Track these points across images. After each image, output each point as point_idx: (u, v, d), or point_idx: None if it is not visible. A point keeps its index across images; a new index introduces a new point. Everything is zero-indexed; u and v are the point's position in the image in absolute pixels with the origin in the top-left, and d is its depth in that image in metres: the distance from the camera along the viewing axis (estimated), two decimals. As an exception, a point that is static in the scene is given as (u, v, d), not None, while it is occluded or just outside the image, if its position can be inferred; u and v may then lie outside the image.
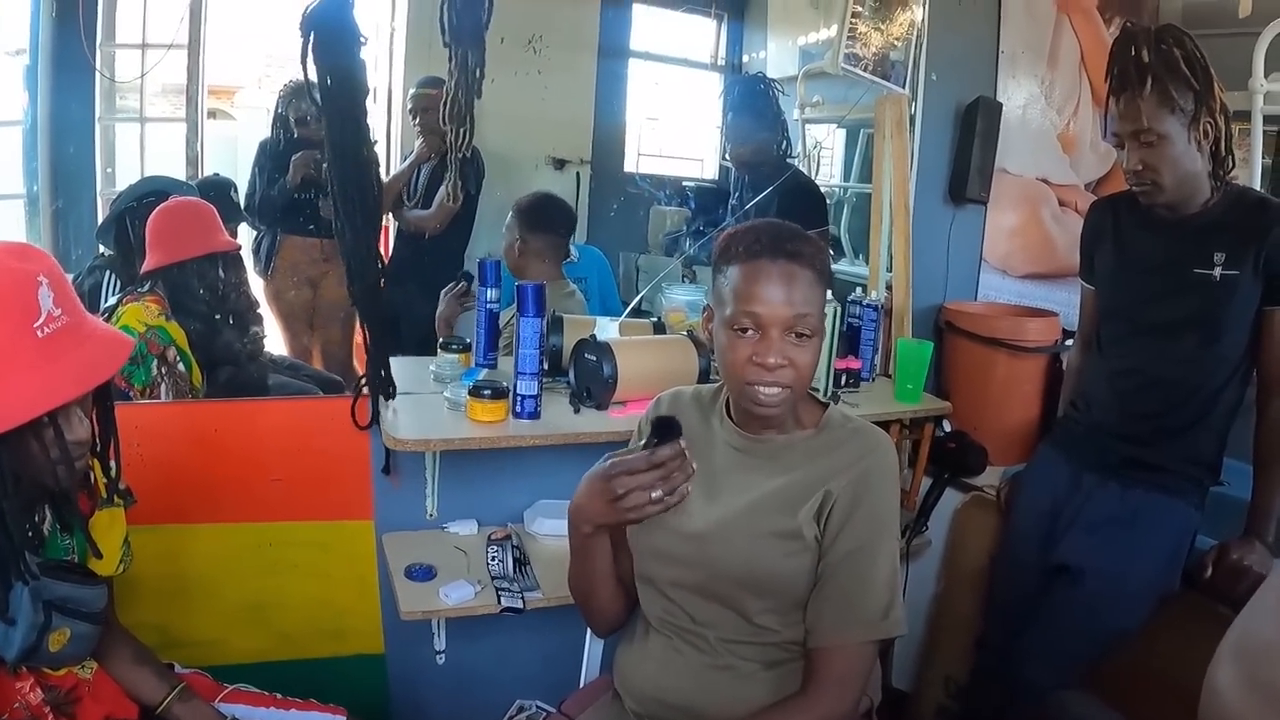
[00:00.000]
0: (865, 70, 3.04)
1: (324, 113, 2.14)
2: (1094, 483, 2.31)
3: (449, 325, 2.85)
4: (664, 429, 1.40)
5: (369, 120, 2.21)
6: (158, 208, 2.54)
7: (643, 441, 1.44)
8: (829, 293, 2.58)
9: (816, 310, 1.54)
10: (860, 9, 3.00)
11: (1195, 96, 2.05)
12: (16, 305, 1.27)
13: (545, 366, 2.29)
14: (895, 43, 3.10)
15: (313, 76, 2.07)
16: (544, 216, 2.93)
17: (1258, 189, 2.91)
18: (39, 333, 1.28)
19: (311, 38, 2.08)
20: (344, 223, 2.17)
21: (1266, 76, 2.88)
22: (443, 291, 2.90)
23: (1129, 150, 2.14)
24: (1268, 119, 2.93)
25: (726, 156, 3.62)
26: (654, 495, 1.38)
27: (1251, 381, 2.21)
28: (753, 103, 3.25)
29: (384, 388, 2.28)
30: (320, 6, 2.09)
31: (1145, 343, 2.27)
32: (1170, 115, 2.05)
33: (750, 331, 1.52)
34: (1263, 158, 3.05)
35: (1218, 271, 2.11)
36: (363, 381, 2.30)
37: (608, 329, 2.51)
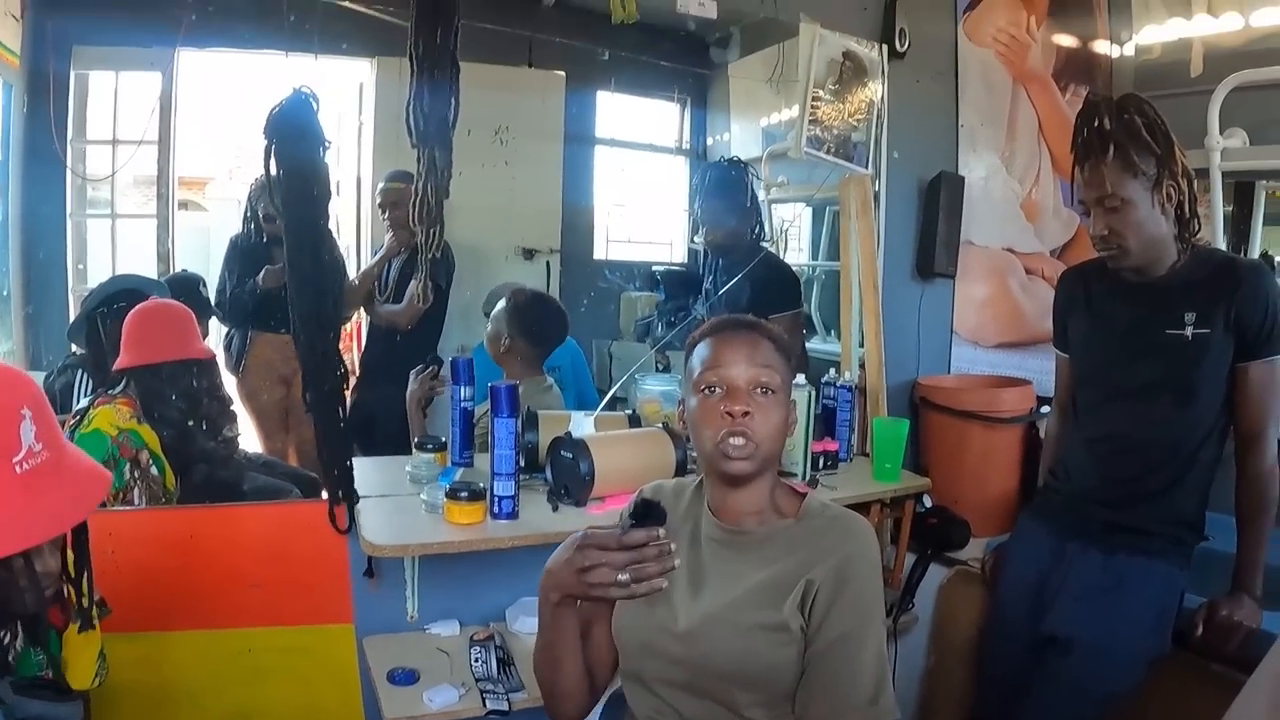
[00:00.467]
0: (828, 153, 3.08)
1: (283, 216, 2.16)
2: (1077, 551, 2.31)
3: (420, 406, 2.83)
4: (644, 512, 1.41)
5: (329, 223, 2.23)
6: (136, 307, 2.52)
7: (621, 518, 1.44)
8: (803, 376, 2.60)
9: (779, 371, 1.63)
10: (820, 93, 3.05)
11: (1157, 161, 2.10)
12: None
13: (522, 464, 2.28)
14: (856, 123, 3.15)
15: (275, 179, 2.09)
16: (537, 327, 2.94)
17: (1222, 243, 2.98)
18: (17, 468, 1.25)
19: (273, 141, 2.10)
20: (299, 326, 2.18)
21: (1221, 133, 2.95)
22: (412, 371, 2.89)
23: (1095, 216, 2.19)
24: (1229, 173, 3.00)
25: (695, 239, 3.65)
26: (621, 577, 1.38)
27: (1230, 437, 2.23)
28: (727, 187, 3.27)
29: (342, 494, 2.27)
30: (283, 110, 2.11)
31: (1121, 406, 2.29)
32: (1133, 180, 2.10)
33: (717, 390, 1.59)
34: (1224, 205, 3.12)
35: (1189, 331, 2.15)
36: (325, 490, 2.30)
37: (583, 424, 2.51)
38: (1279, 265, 3.57)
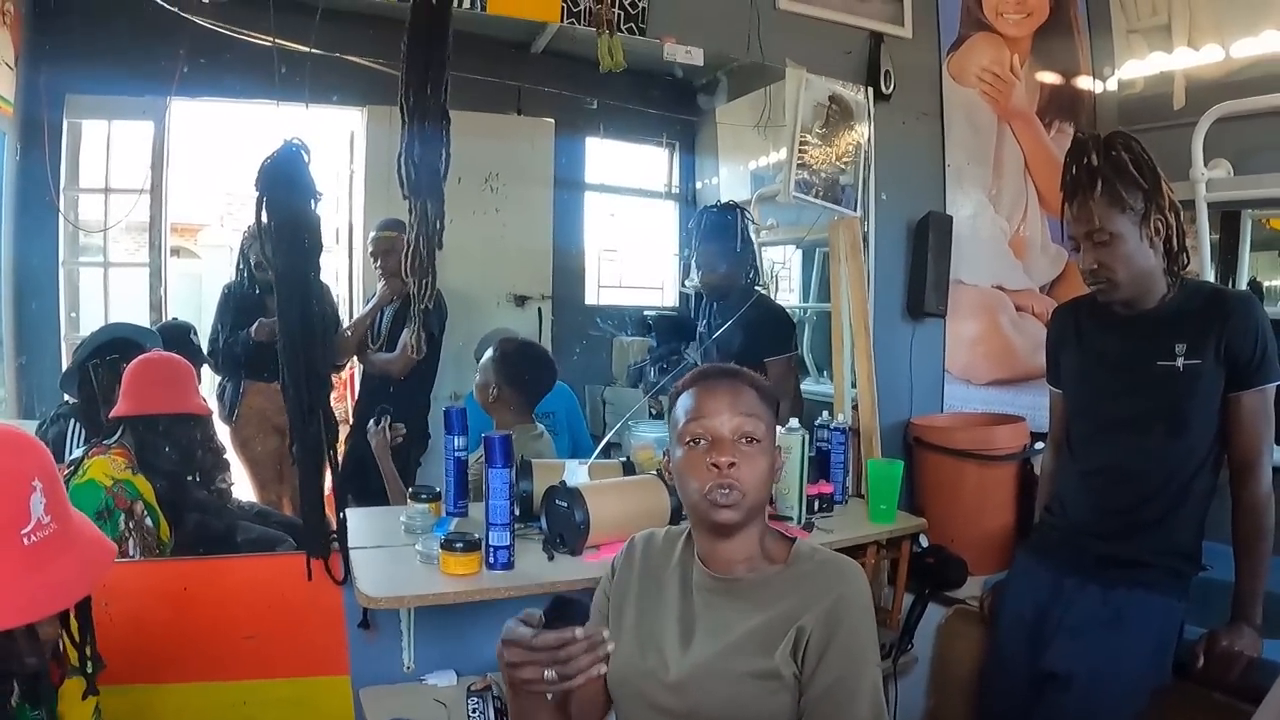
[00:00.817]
0: (816, 196, 3.11)
1: (273, 267, 2.17)
2: (1075, 586, 2.32)
3: (386, 454, 2.84)
4: (558, 613, 1.44)
5: (320, 275, 2.24)
6: (139, 358, 2.54)
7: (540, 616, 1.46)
8: (796, 420, 2.61)
9: (763, 419, 1.65)
10: (807, 136, 3.08)
11: (1144, 196, 2.14)
12: (5, 510, 1.24)
13: (516, 513, 2.27)
14: (843, 166, 3.18)
15: (266, 230, 2.11)
16: (525, 375, 2.95)
17: (1209, 272, 3.01)
18: (25, 540, 1.25)
19: (265, 193, 2.11)
20: (288, 379, 2.19)
21: (1206, 164, 2.98)
22: (369, 425, 2.91)
23: (1084, 250, 2.21)
24: (1215, 204, 3.04)
25: (686, 283, 3.65)
26: (548, 675, 1.39)
27: (1224, 466, 2.24)
28: (722, 231, 3.29)
29: (322, 547, 2.28)
30: (274, 162, 2.13)
31: (1114, 439, 2.31)
32: (1121, 215, 2.14)
33: (702, 441, 1.61)
34: (1211, 233, 3.15)
35: (1180, 362, 2.17)
36: (332, 536, 2.30)
37: (577, 472, 2.50)
38: (1267, 292, 3.61)
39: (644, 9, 2.87)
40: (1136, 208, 2.15)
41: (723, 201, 3.40)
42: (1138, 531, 2.25)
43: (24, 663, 1.35)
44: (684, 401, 1.67)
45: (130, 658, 1.92)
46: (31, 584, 1.25)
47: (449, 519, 2.47)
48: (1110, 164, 2.16)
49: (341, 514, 2.35)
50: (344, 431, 3.18)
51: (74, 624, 1.49)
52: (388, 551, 2.36)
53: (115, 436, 2.49)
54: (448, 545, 2.17)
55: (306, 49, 2.44)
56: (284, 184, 2.14)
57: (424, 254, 2.33)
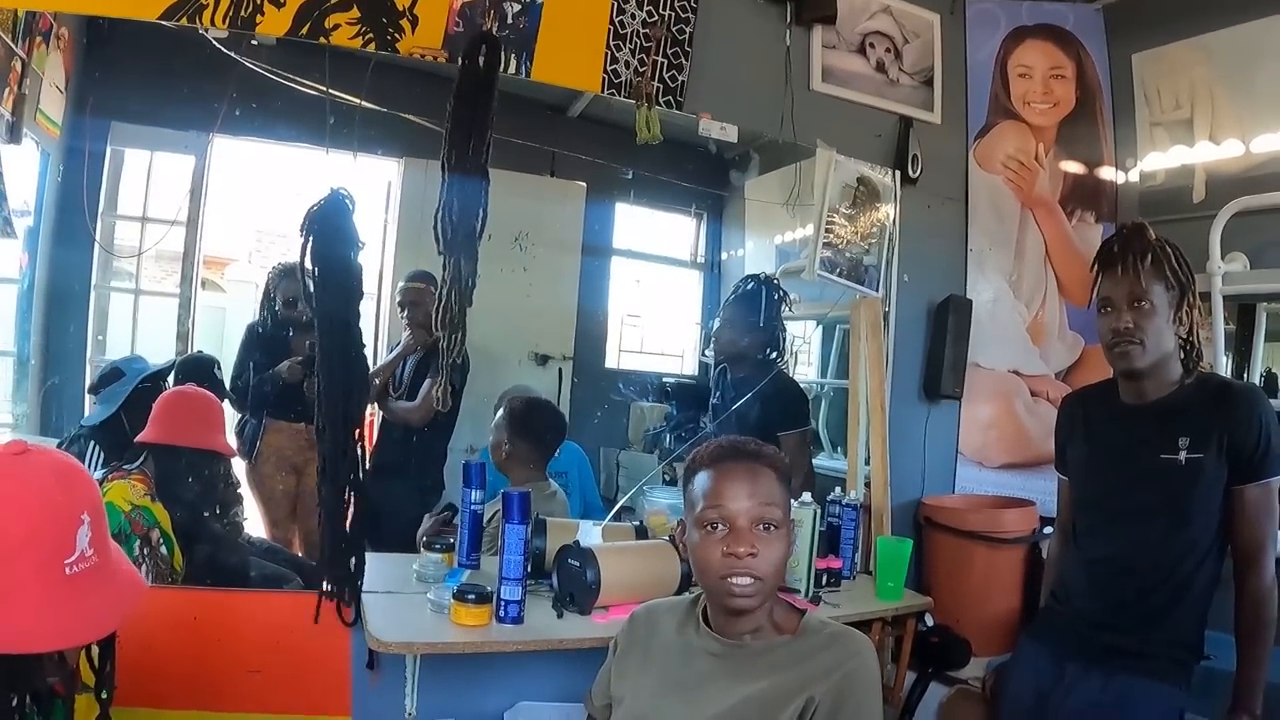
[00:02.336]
0: (840, 275, 3.16)
1: (316, 313, 2.22)
2: (1077, 672, 2.31)
3: (423, 543, 2.85)
4: None
5: (360, 322, 2.28)
6: (175, 389, 2.62)
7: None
8: (809, 494, 2.63)
9: (781, 505, 1.63)
10: (834, 215, 3.13)
11: (1180, 287, 2.19)
12: (52, 539, 1.28)
13: (529, 569, 2.30)
14: (868, 246, 3.23)
15: (309, 276, 2.17)
16: (535, 427, 2.97)
17: (1223, 363, 3.03)
18: (67, 570, 1.28)
19: (311, 239, 2.16)
20: (324, 421, 2.23)
21: (1223, 257, 3.02)
22: (427, 515, 2.93)
23: (1119, 312, 2.22)
24: (1231, 296, 3.07)
25: (706, 353, 3.69)
26: None
27: (1227, 557, 2.24)
28: (759, 303, 3.31)
29: (344, 588, 2.31)
30: (322, 209, 2.19)
31: (1118, 530, 2.31)
32: (1163, 290, 2.18)
33: (720, 527, 1.60)
34: (1227, 325, 3.18)
35: (1183, 456, 2.18)
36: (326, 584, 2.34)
37: (591, 533, 2.53)
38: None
39: (683, 83, 2.95)
40: (1173, 292, 2.20)
41: (764, 275, 3.44)
42: (1140, 622, 2.25)
43: (46, 682, 1.38)
44: (701, 482, 1.66)
45: (136, 681, 1.92)
46: (67, 613, 1.29)
47: (461, 570, 2.49)
48: (1160, 247, 2.21)
49: (356, 558, 2.37)
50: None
51: (95, 650, 1.52)
52: (399, 598, 2.38)
53: (138, 463, 2.53)
54: (460, 596, 2.20)
55: (356, 100, 2.51)
56: (331, 231, 2.20)
57: (455, 309, 2.39)
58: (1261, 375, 3.46)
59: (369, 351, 3.37)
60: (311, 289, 2.20)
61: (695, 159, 3.51)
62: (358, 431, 2.33)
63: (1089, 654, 2.30)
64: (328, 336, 2.23)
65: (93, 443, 2.74)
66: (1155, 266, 2.19)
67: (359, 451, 2.32)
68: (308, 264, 2.19)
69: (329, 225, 2.20)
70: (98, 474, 2.56)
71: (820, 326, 3.77)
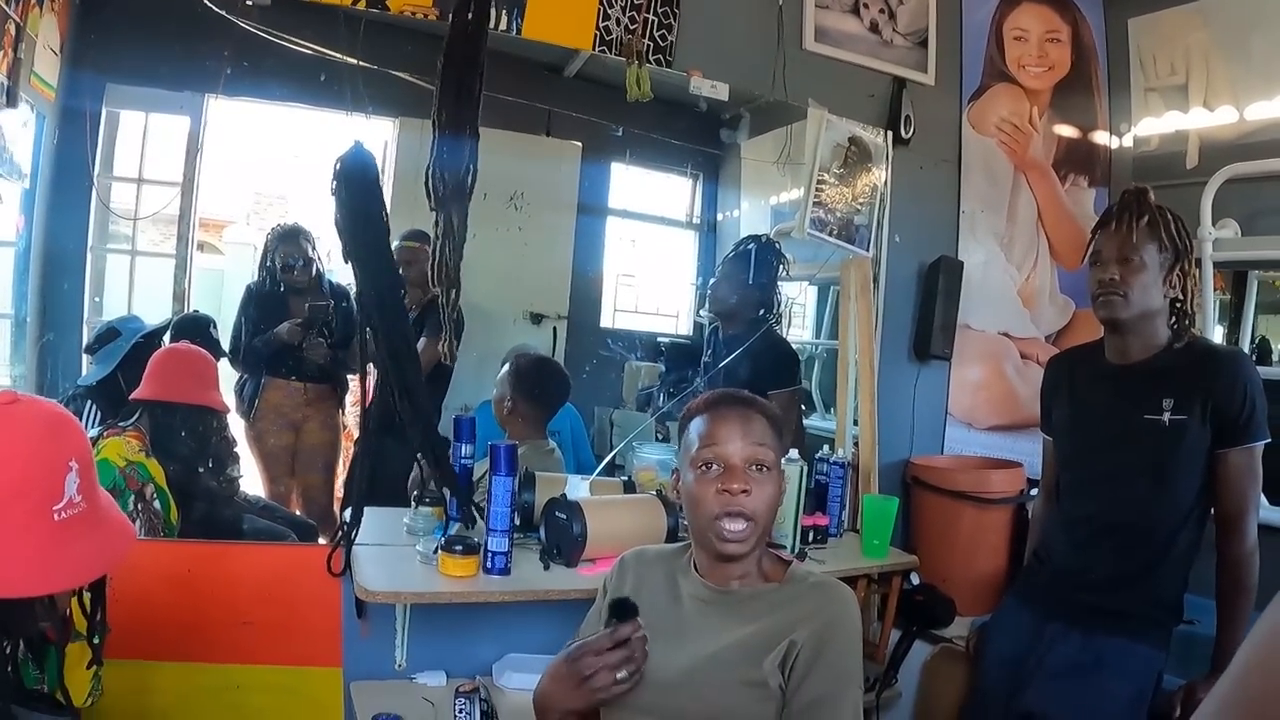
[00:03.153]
0: (830, 234, 3.16)
1: (355, 262, 2.31)
2: (1057, 631, 2.35)
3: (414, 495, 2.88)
4: (621, 609, 1.48)
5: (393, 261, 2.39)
6: (168, 347, 2.65)
7: (603, 620, 1.53)
8: (795, 451, 2.65)
9: (773, 448, 1.68)
10: (825, 175, 3.14)
11: (1176, 252, 2.24)
12: (42, 486, 1.30)
13: (517, 523, 2.33)
14: (859, 206, 3.23)
15: (340, 226, 2.26)
16: (539, 386, 3.01)
17: (1212, 329, 3.06)
18: (56, 516, 1.31)
19: (342, 185, 2.21)
20: (389, 366, 2.36)
21: (1214, 224, 3.03)
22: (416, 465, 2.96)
23: (1107, 264, 2.28)
24: (1221, 263, 3.08)
25: (701, 313, 3.70)
26: (620, 675, 1.46)
27: (1210, 521, 2.28)
28: (756, 263, 3.32)
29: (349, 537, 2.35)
30: (350, 158, 2.27)
31: (1099, 489, 2.36)
32: (1155, 250, 2.22)
33: (715, 466, 1.64)
34: (1223, 295, 3.19)
35: (1166, 417, 2.22)
36: (339, 531, 2.36)
37: (579, 488, 2.56)
38: (1277, 353, 3.65)
39: (673, 42, 2.95)
40: (1166, 254, 2.24)
41: (764, 236, 3.44)
42: (1121, 582, 2.29)
43: (38, 628, 1.42)
44: (696, 426, 1.70)
45: (130, 632, 1.95)
46: (56, 558, 1.32)
47: (451, 523, 2.51)
48: (1160, 212, 2.26)
49: (349, 510, 2.41)
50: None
51: (87, 597, 1.55)
52: (389, 550, 2.42)
53: (132, 419, 2.56)
54: (447, 547, 2.24)
55: (348, 59, 2.52)
56: (359, 177, 2.25)
57: (450, 265, 2.41)
58: (1254, 344, 3.48)
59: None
60: (343, 234, 2.27)
61: (688, 118, 3.49)
62: (416, 363, 2.47)
63: (1069, 613, 2.34)
64: (372, 278, 2.31)
65: (89, 402, 2.76)
66: (1150, 228, 2.23)
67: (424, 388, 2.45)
68: (340, 211, 2.26)
69: (358, 171, 2.27)
70: (93, 431, 2.59)
71: (815, 288, 3.79)
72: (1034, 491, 2.92)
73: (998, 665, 2.49)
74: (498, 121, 2.55)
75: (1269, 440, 2.22)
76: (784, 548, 2.65)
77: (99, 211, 2.98)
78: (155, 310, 3.07)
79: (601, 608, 1.82)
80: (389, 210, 3.38)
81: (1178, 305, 2.28)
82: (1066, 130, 3.72)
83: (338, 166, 2.24)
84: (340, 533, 2.37)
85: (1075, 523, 2.42)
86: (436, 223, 2.41)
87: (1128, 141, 3.73)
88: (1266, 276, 3.43)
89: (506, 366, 3.02)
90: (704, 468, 1.65)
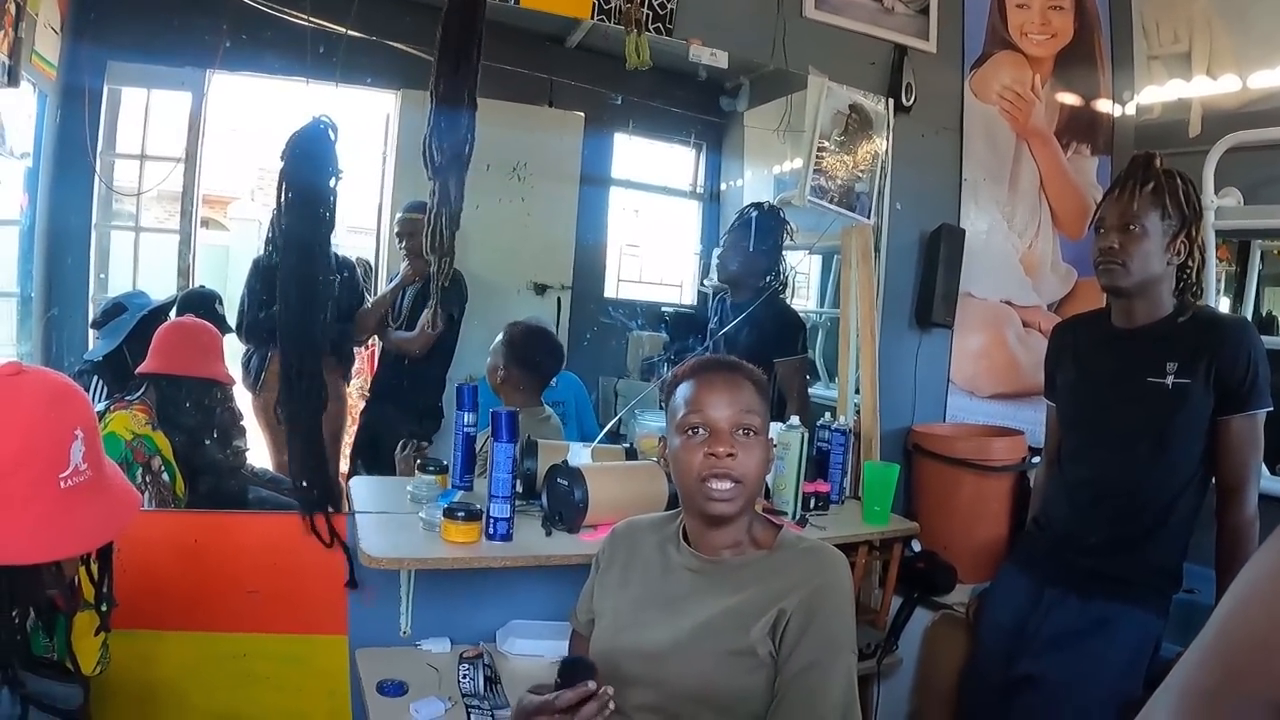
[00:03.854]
0: (831, 202, 3.16)
1: (282, 233, 2.31)
2: (1055, 596, 2.37)
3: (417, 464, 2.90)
4: (571, 672, 1.49)
5: (328, 248, 2.39)
6: (173, 320, 2.67)
7: (555, 680, 1.51)
8: (797, 418, 2.66)
9: (760, 414, 1.69)
10: (826, 143, 3.13)
11: (1182, 219, 2.23)
12: (47, 454, 1.33)
13: (519, 490, 2.35)
14: (860, 174, 3.23)
15: (283, 199, 2.23)
16: (532, 354, 3.03)
17: (1214, 298, 3.05)
18: (62, 483, 1.33)
19: (286, 164, 2.20)
20: (284, 340, 2.35)
21: (1217, 192, 3.02)
22: (398, 449, 3.00)
23: (1108, 232, 2.28)
24: (1223, 231, 3.07)
25: (705, 282, 3.70)
26: None
27: (1211, 491, 2.29)
28: (761, 230, 3.33)
29: (318, 504, 2.41)
30: (300, 135, 2.23)
31: (1101, 454, 2.36)
32: (1158, 218, 2.22)
33: (701, 431, 1.66)
34: (1228, 266, 3.19)
35: (1170, 380, 2.22)
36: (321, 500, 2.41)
37: (580, 454, 2.58)
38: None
39: (672, 10, 2.94)
40: (1172, 221, 2.23)
41: (767, 203, 3.44)
42: (1119, 547, 2.30)
43: (46, 595, 1.44)
44: (683, 391, 1.71)
45: (137, 603, 1.98)
46: (63, 525, 1.34)
47: (454, 491, 2.52)
48: (1167, 177, 2.25)
49: (324, 478, 2.45)
50: (361, 405, 3.29)
51: (94, 564, 1.58)
52: (392, 518, 2.43)
53: (139, 393, 2.58)
54: (450, 514, 2.25)
55: (344, 30, 2.52)
56: (307, 156, 2.24)
57: (444, 233, 2.43)
58: (1261, 316, 3.48)
59: (371, 284, 3.45)
60: (283, 211, 2.24)
61: (688, 88, 3.48)
62: (316, 352, 2.43)
63: (1068, 578, 2.36)
64: (291, 256, 2.29)
65: (95, 377, 2.78)
66: (1154, 194, 2.23)
67: (319, 373, 2.41)
68: (283, 187, 2.23)
69: (307, 150, 2.24)
70: (100, 406, 2.60)
71: (819, 256, 3.78)
72: (1035, 460, 2.93)
73: (997, 631, 2.50)
74: (500, 93, 2.56)
75: (1271, 409, 2.22)
76: (785, 515, 2.66)
77: (102, 189, 2.99)
78: (160, 286, 3.08)
79: (594, 582, 1.85)
80: (392, 181, 3.45)
81: (1185, 273, 2.28)
82: (1069, 98, 3.70)
83: (292, 138, 2.23)
84: (312, 499, 2.41)
85: (1076, 487, 2.42)
86: (433, 192, 2.42)
87: (1130, 110, 3.72)
88: (1270, 246, 3.42)
89: (500, 336, 3.04)
90: (690, 433, 1.67)
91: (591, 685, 1.46)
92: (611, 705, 1.46)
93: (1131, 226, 2.24)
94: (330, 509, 2.40)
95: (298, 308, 2.29)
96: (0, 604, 1.35)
